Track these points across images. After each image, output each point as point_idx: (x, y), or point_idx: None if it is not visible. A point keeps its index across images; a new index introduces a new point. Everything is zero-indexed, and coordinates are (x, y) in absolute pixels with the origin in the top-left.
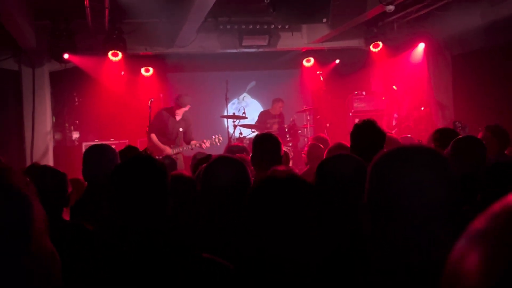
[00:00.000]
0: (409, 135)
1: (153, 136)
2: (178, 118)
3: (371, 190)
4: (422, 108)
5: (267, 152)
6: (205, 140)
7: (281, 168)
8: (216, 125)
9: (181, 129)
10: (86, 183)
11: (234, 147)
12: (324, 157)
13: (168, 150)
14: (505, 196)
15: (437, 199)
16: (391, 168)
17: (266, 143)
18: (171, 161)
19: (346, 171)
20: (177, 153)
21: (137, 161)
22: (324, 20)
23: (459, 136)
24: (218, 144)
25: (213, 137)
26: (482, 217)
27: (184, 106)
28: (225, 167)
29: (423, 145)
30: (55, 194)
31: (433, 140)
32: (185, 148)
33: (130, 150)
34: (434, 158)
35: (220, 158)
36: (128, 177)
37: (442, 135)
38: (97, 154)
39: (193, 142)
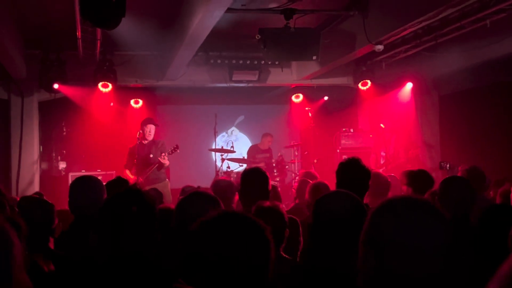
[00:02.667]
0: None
1: (126, 172)
2: (145, 142)
3: (371, 231)
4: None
5: (254, 186)
6: (163, 155)
7: (266, 203)
8: (204, 158)
9: (151, 155)
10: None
11: (221, 181)
12: (306, 196)
13: (133, 178)
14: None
15: (436, 242)
16: (393, 215)
17: (253, 178)
18: (157, 193)
19: (343, 208)
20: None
21: (128, 195)
22: (314, 57)
23: (447, 177)
24: (178, 151)
25: (170, 149)
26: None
27: (144, 128)
28: (196, 204)
29: (416, 198)
30: (42, 225)
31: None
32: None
33: (119, 181)
34: (430, 207)
35: (192, 194)
36: (120, 209)
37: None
38: (84, 185)
39: (162, 154)
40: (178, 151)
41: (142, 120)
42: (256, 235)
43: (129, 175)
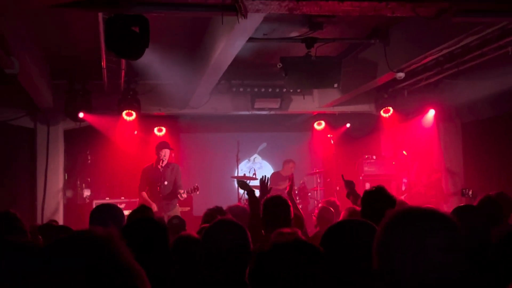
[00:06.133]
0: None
1: (143, 194)
2: (160, 167)
3: (379, 255)
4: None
5: (276, 214)
6: (181, 191)
7: (286, 230)
8: (227, 185)
9: (166, 182)
10: None
11: (235, 208)
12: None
13: (154, 207)
14: None
15: (443, 265)
16: (396, 233)
17: (274, 207)
18: (180, 221)
19: (356, 236)
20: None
21: (141, 222)
22: (335, 85)
23: (459, 206)
24: (196, 193)
25: (190, 188)
26: None
27: (159, 152)
28: (224, 231)
29: (430, 209)
30: None
31: None
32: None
33: (143, 209)
34: (441, 223)
35: (219, 221)
36: (134, 234)
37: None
38: (104, 213)
39: (180, 191)
40: (197, 192)
41: (157, 144)
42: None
43: (148, 199)
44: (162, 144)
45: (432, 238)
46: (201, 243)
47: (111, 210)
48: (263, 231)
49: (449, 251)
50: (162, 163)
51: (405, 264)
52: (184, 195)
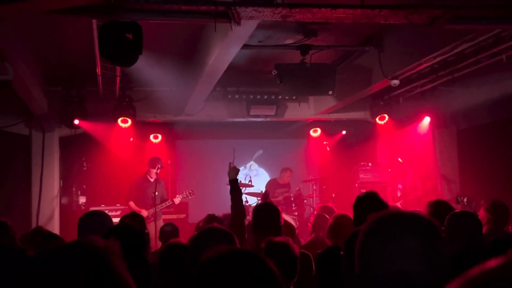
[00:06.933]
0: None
1: (131, 203)
2: (151, 180)
3: (359, 259)
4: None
5: (266, 221)
6: (176, 196)
7: (277, 238)
8: (222, 193)
9: (156, 193)
10: None
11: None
12: (328, 228)
13: (144, 212)
14: None
15: (408, 272)
16: (372, 237)
17: (265, 213)
18: (173, 228)
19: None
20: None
21: (116, 229)
22: (330, 92)
23: (454, 211)
24: (190, 197)
25: (184, 192)
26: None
27: (152, 167)
28: (212, 238)
29: (410, 214)
30: None
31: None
32: (163, 205)
33: (132, 216)
34: (416, 228)
35: (208, 229)
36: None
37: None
38: (92, 220)
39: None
40: (193, 196)
41: (150, 158)
42: (263, 274)
43: (136, 207)
44: (156, 160)
45: (399, 243)
46: (189, 250)
47: (100, 217)
48: (252, 237)
49: (420, 258)
50: (153, 176)
51: (375, 269)
52: (178, 199)
